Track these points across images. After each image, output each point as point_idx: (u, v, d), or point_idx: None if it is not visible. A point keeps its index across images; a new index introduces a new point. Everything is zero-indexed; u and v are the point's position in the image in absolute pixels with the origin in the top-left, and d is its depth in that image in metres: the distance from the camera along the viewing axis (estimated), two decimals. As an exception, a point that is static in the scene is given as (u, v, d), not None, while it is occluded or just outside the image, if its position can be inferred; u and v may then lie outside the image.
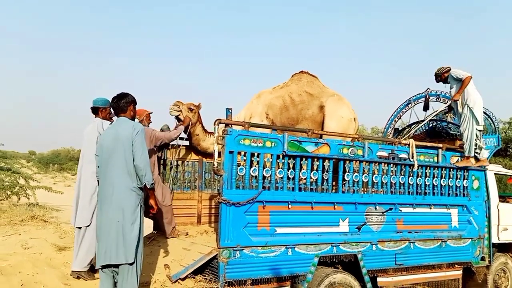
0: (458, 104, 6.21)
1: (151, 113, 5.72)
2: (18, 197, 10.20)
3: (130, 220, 3.76)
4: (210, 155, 6.28)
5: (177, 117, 5.84)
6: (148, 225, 6.09)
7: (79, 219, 4.50)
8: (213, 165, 4.55)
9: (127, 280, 3.74)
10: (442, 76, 6.37)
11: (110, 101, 4.14)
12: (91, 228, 4.41)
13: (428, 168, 5.81)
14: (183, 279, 4.33)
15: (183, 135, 5.89)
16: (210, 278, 4.41)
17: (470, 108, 6.05)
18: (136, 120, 5.58)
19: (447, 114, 7.07)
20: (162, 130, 5.98)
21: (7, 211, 8.48)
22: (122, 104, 4.02)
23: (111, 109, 4.32)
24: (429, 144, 6.18)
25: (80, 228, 4.51)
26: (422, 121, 7.50)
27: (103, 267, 3.78)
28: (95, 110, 4.78)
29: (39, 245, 5.49)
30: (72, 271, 4.50)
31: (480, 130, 6.14)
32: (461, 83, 6.10)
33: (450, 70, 6.27)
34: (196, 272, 4.47)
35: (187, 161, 6.35)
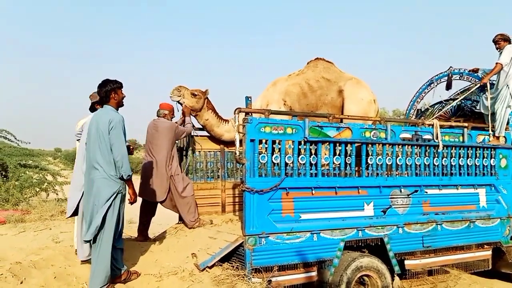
0: (496, 83, 6.18)
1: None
2: (47, 193, 10.45)
3: (101, 206, 3.87)
4: (224, 143, 6.33)
5: (178, 102, 5.90)
6: (175, 216, 6.20)
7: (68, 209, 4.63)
8: (235, 154, 4.56)
9: (93, 258, 3.93)
10: (499, 43, 6.25)
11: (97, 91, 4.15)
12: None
13: (453, 148, 5.70)
14: (210, 267, 4.38)
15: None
16: (237, 265, 4.44)
17: (509, 89, 5.98)
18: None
19: (473, 92, 6.90)
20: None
21: (37, 207, 8.71)
22: (103, 94, 4.07)
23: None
24: (454, 124, 6.06)
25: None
26: (447, 100, 7.34)
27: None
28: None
29: (70, 239, 5.63)
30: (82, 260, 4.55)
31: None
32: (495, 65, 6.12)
33: (508, 43, 6.18)
34: (223, 260, 4.51)
35: (209, 151, 6.39)
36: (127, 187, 4.12)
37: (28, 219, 7.41)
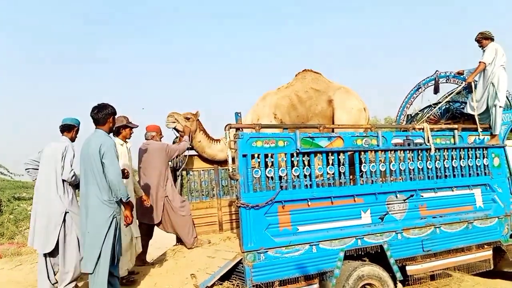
0: (480, 83, 6.23)
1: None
2: (42, 224, 10.33)
3: (98, 232, 3.84)
4: (218, 162, 6.32)
5: (174, 128, 5.91)
6: (172, 238, 6.14)
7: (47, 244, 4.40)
8: (229, 170, 4.55)
9: (90, 286, 3.85)
10: (481, 42, 6.32)
11: (90, 111, 4.10)
12: (70, 248, 4.38)
13: (445, 150, 5.72)
14: (210, 287, 4.33)
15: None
16: (238, 283, 4.39)
17: (494, 87, 6.04)
18: (152, 139, 5.63)
19: (461, 94, 6.97)
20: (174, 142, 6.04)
21: (33, 239, 8.59)
22: (101, 116, 4.04)
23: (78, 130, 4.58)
24: (444, 126, 6.10)
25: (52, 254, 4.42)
26: (435, 104, 7.40)
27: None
28: (65, 128, 4.63)
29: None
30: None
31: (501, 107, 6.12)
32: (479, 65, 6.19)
33: (491, 41, 6.25)
34: (223, 278, 4.46)
35: (202, 170, 6.37)
36: (121, 210, 4.08)
37: (24, 251, 7.30)
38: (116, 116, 4.93)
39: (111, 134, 4.26)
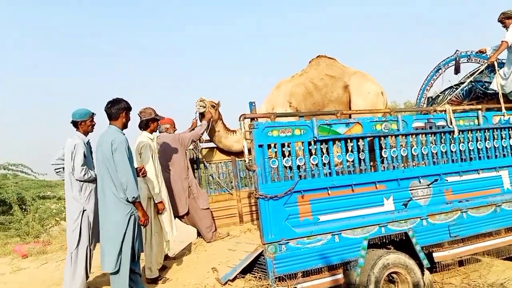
0: (508, 61, 6.10)
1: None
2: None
3: (116, 230, 3.82)
4: (234, 154, 6.25)
5: (202, 113, 5.82)
6: (194, 232, 6.11)
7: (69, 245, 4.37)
8: (245, 161, 4.47)
9: (112, 285, 3.86)
10: (504, 22, 6.15)
11: (105, 106, 4.05)
12: (81, 250, 4.32)
13: (469, 132, 5.52)
14: (232, 280, 4.29)
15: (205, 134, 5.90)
16: (260, 275, 4.34)
17: None
18: (161, 132, 5.58)
19: (483, 73, 6.73)
20: None
21: (57, 237, 8.72)
22: (114, 111, 4.00)
23: (93, 120, 4.54)
24: (467, 107, 5.89)
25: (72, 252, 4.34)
26: (457, 85, 7.17)
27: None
28: (75, 124, 4.53)
29: (92, 266, 5.58)
30: None
31: None
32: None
33: None
34: (245, 271, 4.42)
35: (219, 162, 6.33)
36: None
37: (49, 250, 7.41)
38: (143, 108, 4.96)
39: (124, 128, 4.17)
